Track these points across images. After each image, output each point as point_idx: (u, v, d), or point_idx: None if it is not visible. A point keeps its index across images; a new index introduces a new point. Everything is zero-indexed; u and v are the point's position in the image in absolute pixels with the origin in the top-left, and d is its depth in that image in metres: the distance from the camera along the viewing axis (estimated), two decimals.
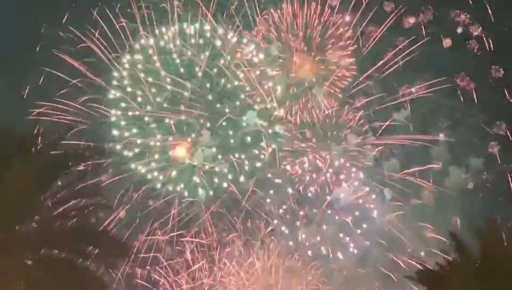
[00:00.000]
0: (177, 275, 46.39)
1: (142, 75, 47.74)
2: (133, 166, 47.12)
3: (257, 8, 47.76)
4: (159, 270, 46.40)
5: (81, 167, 24.62)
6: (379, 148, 48.00)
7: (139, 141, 47.46)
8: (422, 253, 41.79)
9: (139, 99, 47.85)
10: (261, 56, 48.63)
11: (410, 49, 46.50)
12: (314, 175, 48.21)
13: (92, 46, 46.52)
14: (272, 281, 46.19)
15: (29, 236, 22.88)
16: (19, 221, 22.87)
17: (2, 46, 44.10)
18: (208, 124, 48.50)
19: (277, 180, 48.38)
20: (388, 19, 47.16)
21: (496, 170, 45.39)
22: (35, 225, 23.28)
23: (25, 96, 44.61)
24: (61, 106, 45.38)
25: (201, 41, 48.15)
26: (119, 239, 25.93)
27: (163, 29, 48.17)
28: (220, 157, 48.45)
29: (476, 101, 46.34)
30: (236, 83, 48.45)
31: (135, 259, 44.19)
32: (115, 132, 47.38)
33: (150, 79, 47.87)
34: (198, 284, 46.32)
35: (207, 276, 46.44)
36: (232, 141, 48.70)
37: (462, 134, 46.36)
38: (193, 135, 48.07)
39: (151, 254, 46.43)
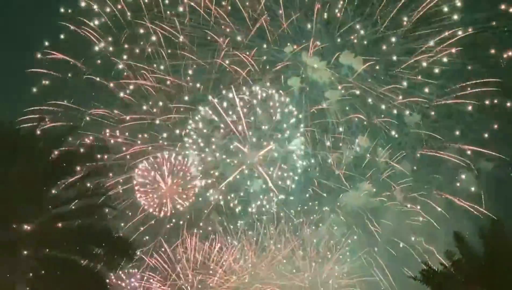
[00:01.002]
0: (186, 277, 46.54)
1: None
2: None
3: None
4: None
5: (85, 167, 24.66)
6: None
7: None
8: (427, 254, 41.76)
9: None
10: None
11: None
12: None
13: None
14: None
15: (33, 236, 22.94)
16: (22, 221, 22.95)
17: (5, 47, 44.48)
18: None
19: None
20: None
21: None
22: (39, 225, 23.30)
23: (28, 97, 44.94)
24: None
25: None
26: (124, 239, 25.79)
27: None
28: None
29: None
30: None
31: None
32: None
33: None
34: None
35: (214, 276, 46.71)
36: None
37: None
38: None
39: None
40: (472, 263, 24.20)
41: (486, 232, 24.76)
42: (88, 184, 24.95)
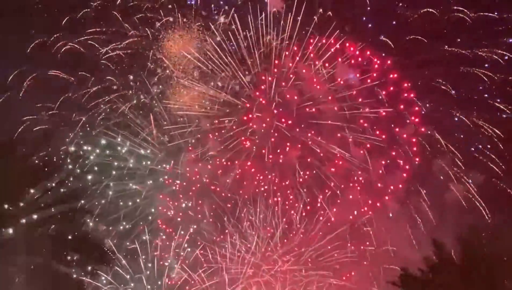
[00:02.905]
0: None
1: None
2: None
3: None
4: None
5: (63, 173, 24.77)
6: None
7: None
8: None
9: None
10: None
11: None
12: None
13: None
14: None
15: (11, 242, 22.93)
16: (1, 227, 22.91)
17: None
18: None
19: None
20: None
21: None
22: (17, 231, 23.28)
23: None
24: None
25: None
26: (101, 244, 25.85)
27: None
28: None
29: None
30: None
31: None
32: None
33: None
34: None
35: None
36: None
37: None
38: None
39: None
40: (449, 268, 24.37)
41: (465, 239, 24.98)
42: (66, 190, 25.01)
